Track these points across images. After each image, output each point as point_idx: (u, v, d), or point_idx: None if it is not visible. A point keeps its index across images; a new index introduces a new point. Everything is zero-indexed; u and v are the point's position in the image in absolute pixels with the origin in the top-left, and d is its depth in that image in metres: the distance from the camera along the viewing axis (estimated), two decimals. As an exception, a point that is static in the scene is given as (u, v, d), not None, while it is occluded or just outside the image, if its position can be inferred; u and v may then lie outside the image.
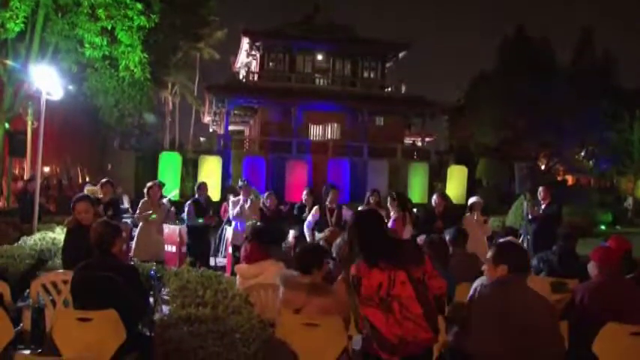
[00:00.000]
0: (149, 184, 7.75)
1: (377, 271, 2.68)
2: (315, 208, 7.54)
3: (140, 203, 7.63)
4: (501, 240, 4.56)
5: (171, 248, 8.48)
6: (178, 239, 8.41)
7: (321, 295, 3.43)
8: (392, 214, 7.19)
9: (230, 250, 8.36)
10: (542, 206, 7.91)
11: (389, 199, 7.42)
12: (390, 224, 6.87)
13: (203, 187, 8.11)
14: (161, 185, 7.88)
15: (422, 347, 2.67)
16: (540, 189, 8.09)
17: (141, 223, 7.53)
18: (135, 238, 7.50)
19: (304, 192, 8.38)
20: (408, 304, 2.64)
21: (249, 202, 7.97)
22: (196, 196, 8.02)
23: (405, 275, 2.67)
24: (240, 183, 8.24)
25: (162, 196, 7.81)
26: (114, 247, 3.59)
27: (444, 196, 7.81)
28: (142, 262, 5.48)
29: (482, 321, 2.85)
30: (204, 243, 8.07)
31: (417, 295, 2.65)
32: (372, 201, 7.81)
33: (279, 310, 3.51)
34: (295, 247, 7.84)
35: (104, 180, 7.72)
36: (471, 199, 7.94)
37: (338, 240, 4.10)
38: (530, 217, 8.01)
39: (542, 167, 29.63)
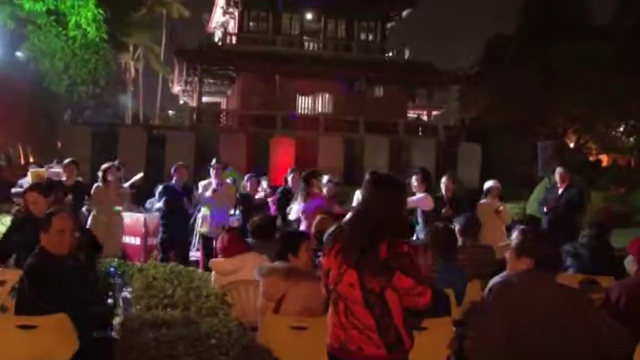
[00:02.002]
0: (105, 165, 7.66)
1: (333, 254, 2.64)
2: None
3: (93, 189, 7.53)
4: (524, 227, 4.56)
5: (134, 240, 8.49)
6: (143, 230, 8.40)
7: (303, 280, 3.43)
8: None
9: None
10: (560, 191, 7.77)
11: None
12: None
13: (180, 170, 7.89)
14: (120, 167, 7.80)
15: None
16: (558, 170, 7.94)
17: (93, 213, 7.46)
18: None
19: (289, 174, 8.37)
20: (356, 311, 2.58)
21: (220, 185, 7.90)
22: (172, 181, 7.91)
23: (356, 278, 2.57)
24: (212, 162, 8.15)
25: (121, 180, 7.74)
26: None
27: (453, 180, 7.85)
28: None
29: (488, 326, 2.76)
30: (182, 234, 8.00)
31: (367, 305, 2.56)
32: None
33: (261, 310, 3.49)
34: None
35: (68, 160, 7.72)
36: (487, 183, 8.00)
37: (331, 228, 4.08)
38: (545, 209, 7.88)
39: (571, 145, 29.67)
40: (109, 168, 7.58)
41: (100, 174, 7.56)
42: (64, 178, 7.30)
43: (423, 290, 2.58)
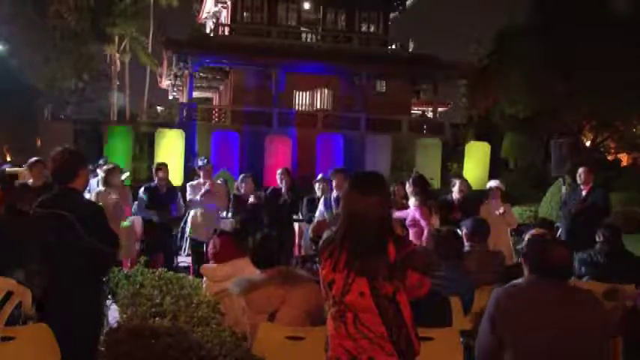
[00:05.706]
0: (107, 167, 7.39)
1: (338, 266, 2.66)
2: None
3: (94, 197, 7.09)
4: (532, 232, 4.57)
5: (120, 245, 8.45)
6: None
7: (300, 282, 3.45)
8: (411, 201, 6.89)
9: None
10: (583, 193, 7.71)
11: (407, 184, 7.13)
12: (411, 216, 6.66)
13: (162, 170, 7.82)
14: (121, 169, 7.69)
15: None
16: (580, 170, 7.85)
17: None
18: None
19: (278, 172, 8.50)
20: (367, 320, 2.60)
21: (208, 185, 7.90)
22: (155, 181, 7.87)
23: (367, 286, 2.60)
24: (199, 162, 8.14)
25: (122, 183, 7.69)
26: (77, 178, 3.67)
27: (469, 185, 7.90)
28: None
29: (482, 327, 2.83)
30: (166, 239, 7.98)
31: (380, 312, 2.59)
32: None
33: (251, 322, 3.49)
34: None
35: (33, 159, 7.49)
36: (488, 184, 8.07)
37: (326, 233, 4.09)
38: (571, 209, 7.68)
39: (587, 143, 29.63)
40: (112, 169, 7.26)
41: (100, 176, 7.24)
42: (30, 180, 7.01)
43: (424, 281, 2.74)
